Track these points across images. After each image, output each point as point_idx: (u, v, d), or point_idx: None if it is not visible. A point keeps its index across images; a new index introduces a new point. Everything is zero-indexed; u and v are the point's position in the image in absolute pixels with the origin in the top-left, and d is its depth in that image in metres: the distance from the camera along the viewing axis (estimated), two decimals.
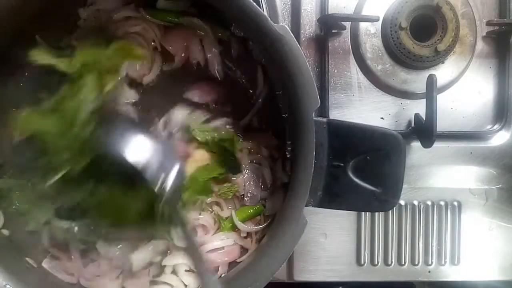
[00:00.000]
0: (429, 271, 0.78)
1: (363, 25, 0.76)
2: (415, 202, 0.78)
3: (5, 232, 0.68)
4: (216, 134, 0.68)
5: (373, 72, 0.76)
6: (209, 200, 0.71)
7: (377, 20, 0.73)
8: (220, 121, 0.69)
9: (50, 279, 0.67)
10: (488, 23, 0.76)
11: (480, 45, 0.78)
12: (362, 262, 0.78)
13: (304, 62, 0.55)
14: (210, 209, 0.71)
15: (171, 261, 0.70)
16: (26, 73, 0.70)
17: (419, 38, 0.74)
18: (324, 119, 0.56)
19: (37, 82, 0.69)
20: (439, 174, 0.78)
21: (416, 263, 0.78)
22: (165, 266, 0.70)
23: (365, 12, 0.75)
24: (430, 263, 0.78)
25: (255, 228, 0.70)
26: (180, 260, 0.70)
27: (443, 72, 0.76)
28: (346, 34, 0.77)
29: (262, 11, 0.55)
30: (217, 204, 0.72)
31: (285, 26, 0.55)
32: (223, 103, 0.70)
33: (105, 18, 0.69)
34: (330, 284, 0.79)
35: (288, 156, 0.65)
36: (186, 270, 0.70)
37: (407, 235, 0.78)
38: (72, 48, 0.66)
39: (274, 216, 0.69)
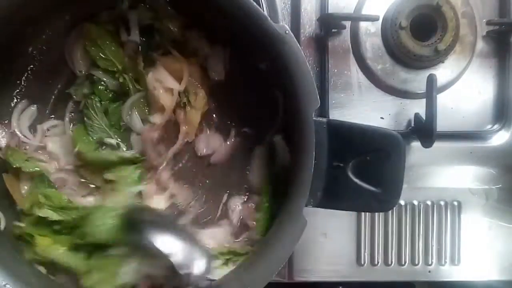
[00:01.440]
0: (429, 271, 0.78)
1: (363, 25, 0.76)
2: (415, 202, 0.78)
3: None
4: None
5: (373, 71, 0.76)
6: None
7: (377, 19, 0.73)
8: None
9: (50, 279, 0.67)
10: (488, 23, 0.76)
11: (480, 44, 0.78)
12: (362, 262, 0.78)
13: (304, 61, 0.55)
14: None
15: None
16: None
17: (419, 38, 0.74)
18: (324, 119, 0.56)
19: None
20: (439, 174, 0.78)
21: (416, 263, 0.78)
22: None
23: (365, 11, 0.75)
24: (430, 263, 0.78)
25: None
26: None
27: (443, 72, 0.76)
28: (346, 33, 0.77)
29: (262, 11, 0.55)
30: None
31: (285, 25, 0.54)
32: None
33: None
34: (330, 284, 0.79)
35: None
36: None
37: (407, 235, 0.78)
38: None
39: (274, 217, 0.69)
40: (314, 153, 0.55)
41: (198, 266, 0.59)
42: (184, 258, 0.59)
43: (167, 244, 0.59)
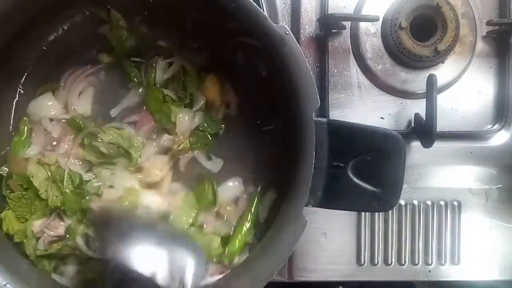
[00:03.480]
0: (429, 271, 0.78)
1: (363, 25, 0.76)
2: (415, 202, 0.78)
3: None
4: None
5: (373, 72, 0.76)
6: None
7: (377, 19, 0.73)
8: None
9: (50, 279, 0.67)
10: (488, 23, 0.76)
11: (480, 45, 0.78)
12: (362, 262, 0.78)
13: (304, 62, 0.55)
14: None
15: None
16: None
17: (419, 38, 0.74)
18: (324, 120, 0.56)
19: None
20: (439, 174, 0.78)
21: (416, 263, 0.78)
22: None
23: (365, 11, 0.75)
24: (430, 263, 0.78)
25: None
26: None
27: (443, 72, 0.76)
28: (346, 34, 0.77)
29: (262, 11, 0.55)
30: None
31: (285, 26, 0.55)
32: None
33: None
34: (330, 284, 0.79)
35: None
36: None
37: (407, 235, 0.78)
38: None
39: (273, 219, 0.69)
40: (314, 153, 0.55)
41: (191, 272, 0.59)
42: (175, 266, 0.59)
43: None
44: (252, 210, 0.69)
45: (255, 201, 0.70)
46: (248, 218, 0.69)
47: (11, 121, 0.70)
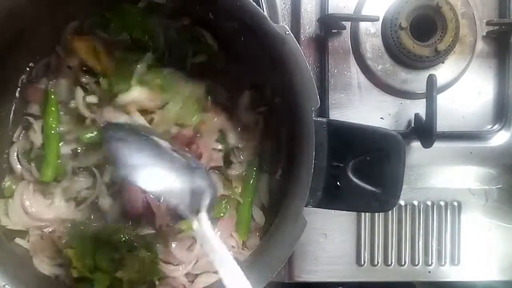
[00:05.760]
0: (429, 271, 0.78)
1: (363, 25, 0.76)
2: (415, 202, 0.78)
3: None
4: None
5: (373, 72, 0.76)
6: None
7: (377, 20, 0.73)
8: None
9: (49, 280, 0.67)
10: (488, 23, 0.76)
11: (480, 45, 0.78)
12: (362, 262, 0.78)
13: (304, 62, 0.55)
14: None
15: None
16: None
17: (419, 38, 0.74)
18: (324, 120, 0.56)
19: None
20: (439, 174, 0.78)
21: (416, 263, 0.78)
22: None
23: (365, 12, 0.75)
24: (430, 263, 0.78)
25: None
26: None
27: (443, 72, 0.76)
28: (346, 34, 0.77)
29: (262, 11, 0.55)
30: None
31: (285, 26, 0.55)
32: None
33: None
34: (330, 284, 0.79)
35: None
36: None
37: (407, 235, 0.78)
38: None
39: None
40: (314, 153, 0.55)
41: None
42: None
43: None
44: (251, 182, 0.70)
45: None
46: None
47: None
